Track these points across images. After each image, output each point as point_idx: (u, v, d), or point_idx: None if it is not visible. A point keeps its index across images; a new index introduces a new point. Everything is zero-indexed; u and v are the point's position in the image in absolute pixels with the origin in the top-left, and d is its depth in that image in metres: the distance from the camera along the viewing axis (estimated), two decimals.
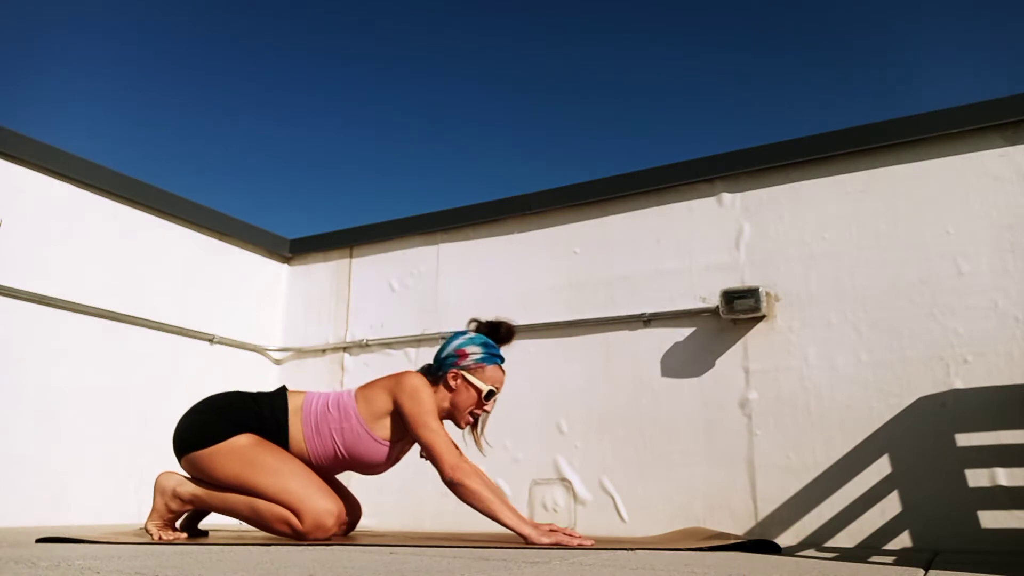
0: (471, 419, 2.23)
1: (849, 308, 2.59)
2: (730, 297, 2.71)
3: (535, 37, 9.17)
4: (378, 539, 2.14)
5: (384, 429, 2.15)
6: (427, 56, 9.35)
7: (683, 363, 2.85)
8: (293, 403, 2.19)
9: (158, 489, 2.11)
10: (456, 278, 3.47)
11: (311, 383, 3.70)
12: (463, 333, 2.28)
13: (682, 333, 2.88)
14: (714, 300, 2.79)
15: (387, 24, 9.09)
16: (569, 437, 3.01)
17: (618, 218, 3.14)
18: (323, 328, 3.79)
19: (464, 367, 2.19)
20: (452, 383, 2.19)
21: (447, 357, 2.22)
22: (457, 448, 2.09)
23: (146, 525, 2.09)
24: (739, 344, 2.75)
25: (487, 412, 2.25)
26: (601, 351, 3.03)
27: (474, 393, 2.19)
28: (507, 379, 3.23)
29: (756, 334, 2.73)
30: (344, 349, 3.67)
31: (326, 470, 2.20)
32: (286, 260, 4.01)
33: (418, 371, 2.27)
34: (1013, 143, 2.46)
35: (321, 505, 2.02)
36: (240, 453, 2.06)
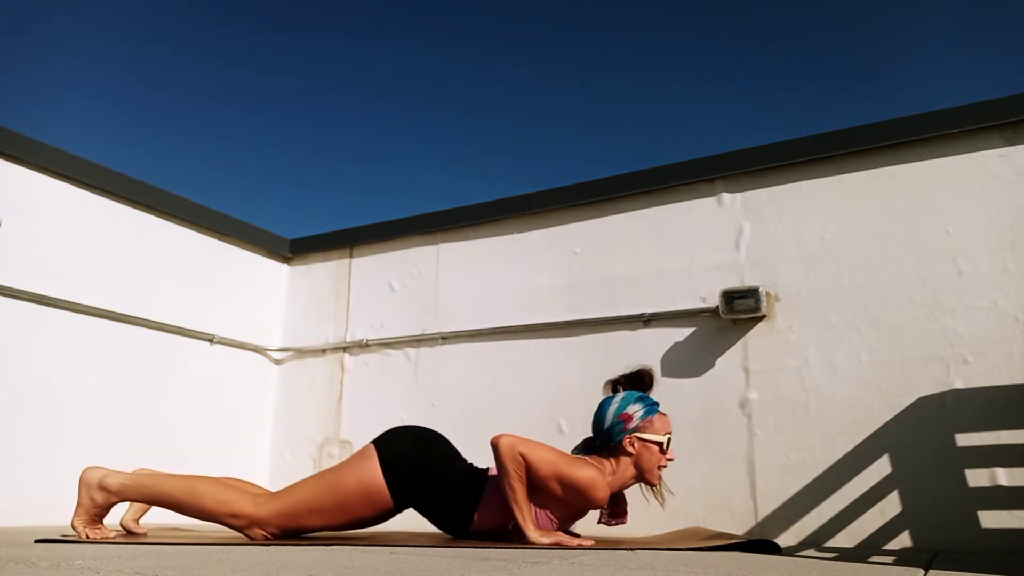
0: (661, 472, 2.20)
1: (849, 308, 2.59)
2: (730, 297, 2.71)
3: (535, 36, 9.17)
4: (378, 539, 2.14)
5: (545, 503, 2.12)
6: (427, 54, 9.35)
7: (683, 363, 2.85)
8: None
9: (82, 483, 2.03)
10: (456, 278, 3.47)
11: (311, 383, 3.70)
12: (611, 399, 2.23)
13: (682, 333, 2.88)
14: (714, 300, 2.79)
15: (386, 23, 9.08)
16: (569, 437, 3.00)
17: (618, 218, 3.13)
18: (323, 328, 3.79)
19: (635, 429, 2.16)
20: (631, 449, 2.15)
21: (613, 427, 2.17)
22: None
23: (72, 522, 2.01)
24: (739, 344, 2.75)
25: (671, 460, 2.22)
26: (601, 351, 3.03)
27: (655, 448, 2.16)
28: (508, 379, 3.27)
29: (756, 334, 2.73)
30: (344, 349, 3.67)
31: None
32: (286, 260, 4.01)
33: (578, 452, 2.25)
34: (1013, 143, 2.46)
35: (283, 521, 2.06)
36: (358, 476, 2.10)
